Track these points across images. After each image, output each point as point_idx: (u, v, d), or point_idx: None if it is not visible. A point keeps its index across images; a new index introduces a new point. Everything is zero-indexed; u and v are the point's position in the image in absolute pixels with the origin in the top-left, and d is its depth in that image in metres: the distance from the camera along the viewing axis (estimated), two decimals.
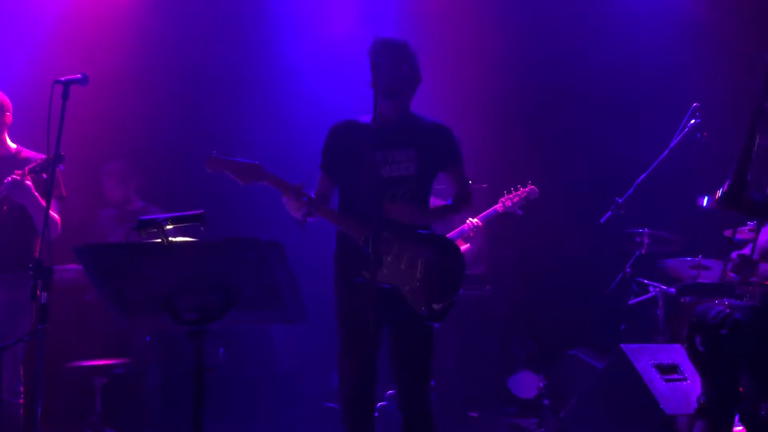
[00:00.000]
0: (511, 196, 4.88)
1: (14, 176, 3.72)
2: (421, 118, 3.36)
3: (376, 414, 4.05)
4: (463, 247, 5.06)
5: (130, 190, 5.16)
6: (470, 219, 4.82)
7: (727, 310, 1.99)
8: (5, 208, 3.85)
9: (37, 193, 3.77)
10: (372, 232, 2.86)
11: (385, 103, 3.20)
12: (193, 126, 5.78)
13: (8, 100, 4.01)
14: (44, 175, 3.66)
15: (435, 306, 3.11)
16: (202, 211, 2.44)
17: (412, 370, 3.17)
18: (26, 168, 3.74)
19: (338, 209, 3.28)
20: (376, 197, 3.03)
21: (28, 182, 3.75)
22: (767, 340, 2.39)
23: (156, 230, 2.35)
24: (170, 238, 2.34)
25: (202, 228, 2.43)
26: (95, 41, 5.59)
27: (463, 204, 3.38)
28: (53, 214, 3.89)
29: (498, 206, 4.87)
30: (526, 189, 4.87)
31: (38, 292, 3.11)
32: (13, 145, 4.03)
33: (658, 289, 4.94)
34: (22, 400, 3.81)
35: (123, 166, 5.18)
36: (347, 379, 3.16)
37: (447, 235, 4.76)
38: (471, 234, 4.85)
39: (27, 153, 4.00)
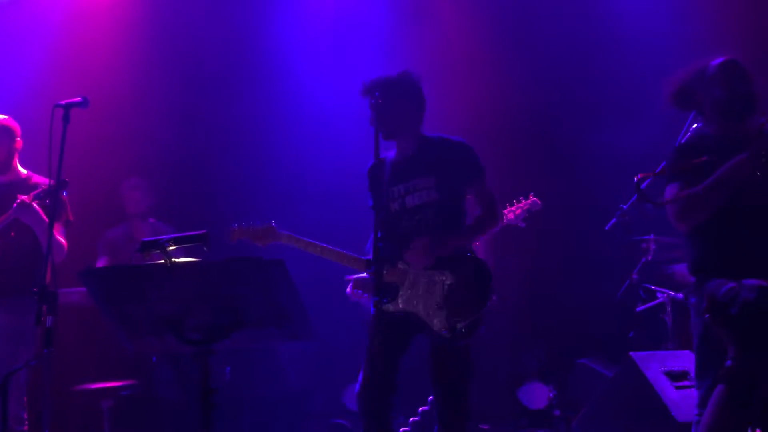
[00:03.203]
0: (513, 208, 4.85)
1: (21, 198, 3.72)
2: (438, 140, 3.43)
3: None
4: None
5: (149, 204, 5.23)
6: None
7: (737, 289, 1.98)
8: (12, 234, 3.85)
9: (45, 216, 3.78)
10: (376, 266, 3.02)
11: (395, 141, 3.38)
12: (194, 143, 5.79)
13: (18, 126, 4.02)
14: (48, 201, 3.67)
15: (458, 325, 3.20)
16: (205, 231, 2.43)
17: (442, 388, 3.30)
18: (31, 194, 3.75)
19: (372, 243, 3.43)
20: (409, 224, 3.26)
21: (35, 205, 3.76)
22: None
23: (159, 251, 2.34)
24: (173, 259, 2.33)
25: (205, 248, 2.42)
26: (94, 60, 5.61)
27: (485, 222, 3.40)
28: (60, 238, 3.90)
29: None
30: (528, 201, 4.85)
31: (43, 316, 3.10)
32: (23, 171, 4.04)
33: (665, 295, 4.91)
34: (26, 427, 3.78)
35: (147, 181, 5.24)
36: (363, 397, 3.29)
37: None
38: None
39: (37, 179, 4.01)
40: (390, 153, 3.50)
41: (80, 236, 4.44)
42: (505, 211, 4.87)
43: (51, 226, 3.31)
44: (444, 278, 3.27)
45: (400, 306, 3.28)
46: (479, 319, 3.24)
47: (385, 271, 3.23)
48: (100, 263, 5.07)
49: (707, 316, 1.77)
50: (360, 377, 3.30)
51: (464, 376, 3.29)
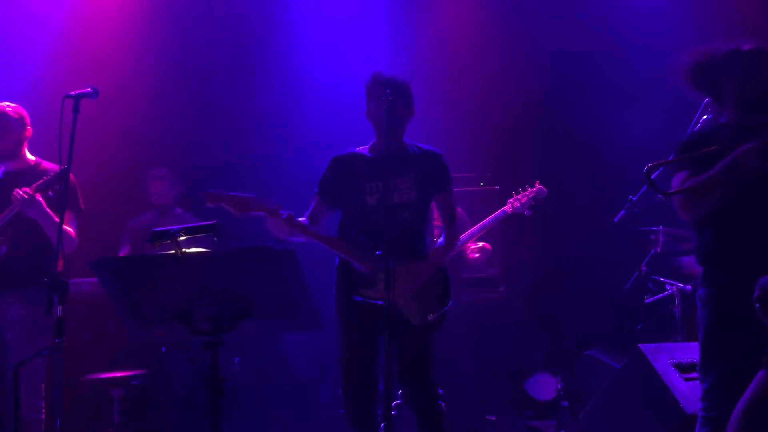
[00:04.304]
0: (519, 196, 4.86)
1: (24, 192, 3.73)
2: (415, 146, 3.64)
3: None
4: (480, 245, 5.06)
5: (176, 195, 5.25)
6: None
7: None
8: (21, 223, 3.86)
9: (48, 209, 3.78)
10: (385, 256, 3.13)
11: (386, 138, 3.48)
12: (212, 133, 5.79)
13: (27, 114, 4.03)
14: (50, 193, 3.68)
15: (429, 317, 3.43)
16: (215, 221, 2.44)
17: (416, 370, 3.46)
18: (33, 185, 3.75)
19: (339, 232, 3.58)
20: (387, 220, 3.40)
21: (39, 198, 3.77)
22: None
23: (170, 242, 2.35)
24: (184, 249, 2.34)
25: (215, 238, 2.43)
26: (103, 50, 5.62)
27: (451, 237, 3.66)
28: (68, 228, 3.89)
29: (507, 207, 4.85)
30: (534, 189, 4.85)
31: (55, 306, 3.11)
32: (32, 158, 4.04)
33: (674, 287, 4.90)
34: (43, 416, 3.79)
35: (172, 171, 5.25)
36: (349, 389, 3.50)
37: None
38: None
39: (46, 165, 4.01)
40: (362, 149, 3.62)
41: (97, 227, 4.45)
42: (510, 200, 4.89)
43: (62, 215, 3.32)
44: (419, 271, 3.45)
45: (375, 295, 3.37)
46: (445, 314, 3.49)
47: (364, 263, 3.41)
48: (123, 252, 5.09)
49: (758, 306, 1.82)
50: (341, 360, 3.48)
51: (431, 361, 3.49)
